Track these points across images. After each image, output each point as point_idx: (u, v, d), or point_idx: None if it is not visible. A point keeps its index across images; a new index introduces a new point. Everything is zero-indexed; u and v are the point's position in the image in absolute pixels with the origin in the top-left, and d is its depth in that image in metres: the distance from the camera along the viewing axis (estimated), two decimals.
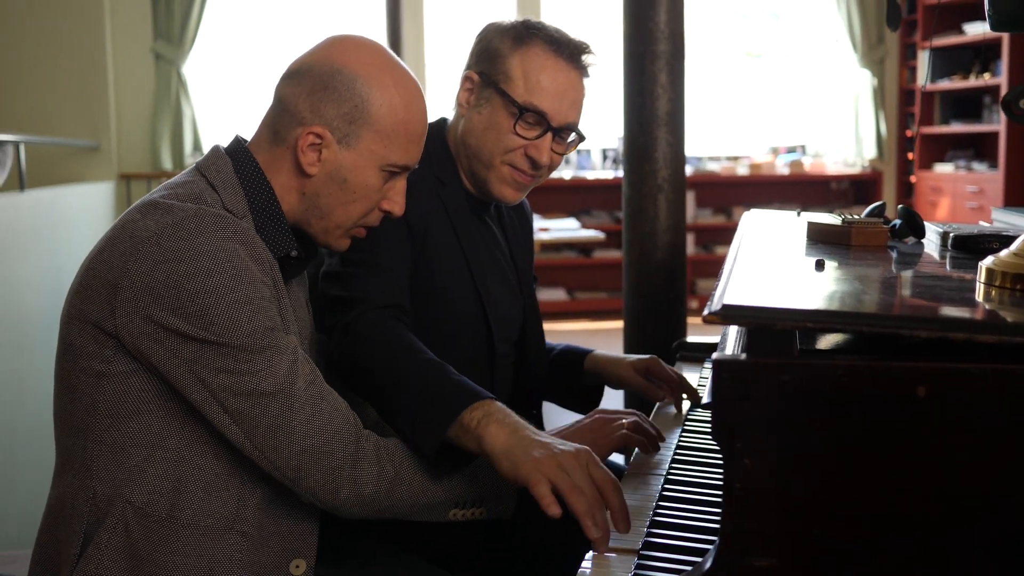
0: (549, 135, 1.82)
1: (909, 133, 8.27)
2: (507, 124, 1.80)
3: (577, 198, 7.94)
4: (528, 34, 1.82)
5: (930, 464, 0.99)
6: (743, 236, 1.76)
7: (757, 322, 1.00)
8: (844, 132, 8.34)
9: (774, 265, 1.43)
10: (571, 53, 1.82)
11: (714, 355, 1.02)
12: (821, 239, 1.71)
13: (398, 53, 7.68)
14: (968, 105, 7.76)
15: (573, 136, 1.88)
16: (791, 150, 8.55)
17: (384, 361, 1.52)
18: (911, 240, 1.81)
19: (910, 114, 8.25)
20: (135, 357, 1.39)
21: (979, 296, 1.21)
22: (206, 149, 7.27)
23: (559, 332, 6.81)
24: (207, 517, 1.43)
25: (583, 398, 2.08)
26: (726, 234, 8.04)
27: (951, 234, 1.66)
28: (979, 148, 7.90)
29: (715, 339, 2.46)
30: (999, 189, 7.05)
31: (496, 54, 1.82)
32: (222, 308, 1.34)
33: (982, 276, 1.25)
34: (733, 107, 8.60)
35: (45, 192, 5.26)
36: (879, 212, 1.89)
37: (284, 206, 1.52)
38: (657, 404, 1.99)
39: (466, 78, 1.86)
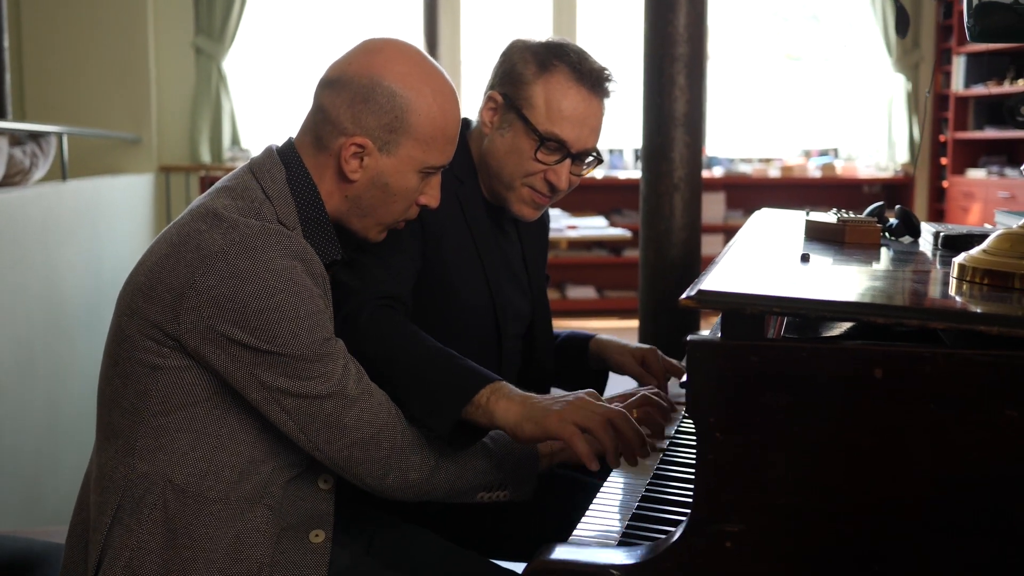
0: (568, 161, 1.88)
1: (943, 138, 8.27)
2: (528, 150, 1.86)
3: (608, 197, 8.01)
4: (551, 61, 1.87)
5: (886, 440, 1.08)
6: (744, 232, 1.84)
7: (728, 307, 1.09)
8: (877, 136, 8.36)
9: (763, 258, 1.51)
10: (593, 81, 1.87)
11: (689, 337, 1.11)
12: (817, 236, 1.79)
13: (434, 51, 7.80)
14: (1002, 111, 7.74)
15: (591, 159, 1.94)
16: (823, 153, 8.57)
17: (390, 349, 1.61)
18: (907, 239, 1.89)
19: (944, 119, 8.25)
20: (192, 356, 1.49)
21: (951, 290, 1.29)
22: (244, 143, 7.45)
23: (588, 329, 6.87)
24: (237, 494, 1.54)
25: (588, 382, 2.17)
26: None
27: (941, 233, 1.74)
28: (1012, 154, 7.90)
29: None
30: None
31: (520, 79, 1.88)
32: (284, 323, 1.45)
33: (955, 271, 1.33)
34: (767, 109, 8.64)
35: (87, 182, 5.42)
36: (878, 212, 1.96)
37: (328, 207, 1.61)
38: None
39: (490, 97, 1.92)
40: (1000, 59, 7.69)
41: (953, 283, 1.31)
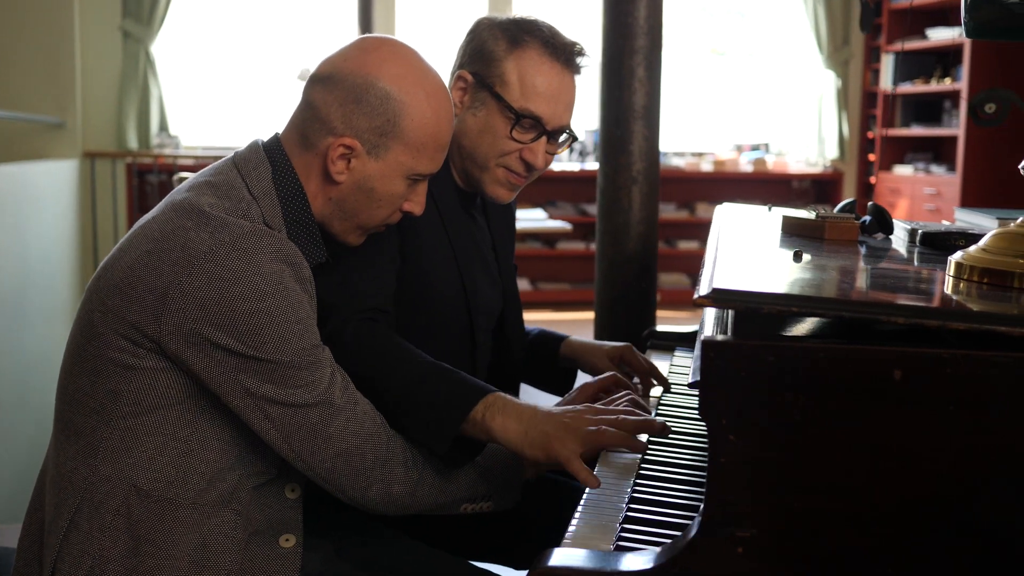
0: (544, 138, 1.84)
1: (871, 135, 8.40)
2: (503, 129, 1.81)
3: (543, 189, 7.98)
4: (523, 36, 1.82)
5: (904, 443, 1.06)
6: (721, 227, 1.82)
7: (746, 305, 1.06)
8: (807, 132, 8.46)
9: (755, 255, 1.49)
10: (566, 56, 1.83)
11: (703, 336, 1.08)
12: (795, 232, 1.78)
13: None
14: (929, 109, 7.91)
15: (565, 136, 1.89)
16: (755, 148, 8.65)
17: (378, 368, 1.56)
18: (879, 236, 1.88)
19: (872, 116, 8.39)
20: (170, 358, 1.42)
21: (948, 288, 1.28)
22: (173, 130, 7.26)
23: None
24: (204, 499, 1.48)
25: (557, 381, 2.14)
26: (689, 229, 8.14)
27: (919, 231, 1.73)
28: (938, 151, 8.05)
29: (684, 328, 2.53)
30: (956, 192, 7.19)
31: (490, 56, 1.82)
32: (273, 329, 1.40)
33: (951, 270, 1.32)
34: (699, 104, 8.68)
35: (10, 168, 5.23)
36: (850, 209, 1.96)
37: (312, 208, 1.55)
38: None
39: (459, 77, 1.85)
40: (927, 58, 7.83)
41: (950, 281, 1.30)
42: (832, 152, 8.32)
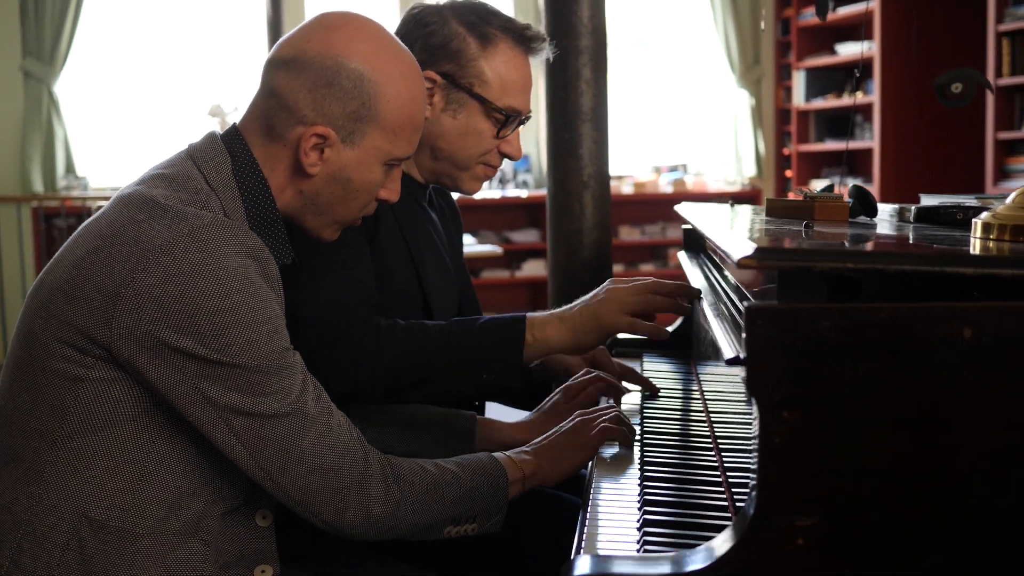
0: (519, 128, 1.81)
1: (786, 151, 8.48)
2: (489, 129, 1.76)
3: (464, 219, 7.84)
4: (489, 31, 1.75)
5: (980, 409, 0.95)
6: (704, 213, 1.73)
7: (796, 264, 0.95)
8: (724, 151, 8.50)
9: (760, 229, 1.39)
10: (535, 45, 1.79)
11: (746, 304, 0.96)
12: (782, 214, 1.70)
13: None
14: (842, 123, 8.01)
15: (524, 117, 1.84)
16: (673, 169, 8.66)
17: (421, 348, 1.61)
18: (862, 218, 1.80)
19: (787, 133, 8.47)
20: (123, 367, 1.27)
21: (977, 249, 1.18)
22: (80, 171, 6.97)
23: None
24: (167, 528, 1.32)
25: (530, 395, 2.01)
26: (616, 253, 8.07)
27: (912, 208, 1.66)
28: (852, 164, 8.15)
29: None
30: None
31: (461, 55, 1.74)
32: (239, 329, 1.25)
33: (977, 231, 1.22)
34: (616, 128, 8.66)
35: None
36: (830, 191, 1.88)
37: (278, 203, 1.41)
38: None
39: (424, 78, 1.75)
40: (837, 73, 7.94)
41: (977, 243, 1.21)
42: (750, 170, 8.38)
